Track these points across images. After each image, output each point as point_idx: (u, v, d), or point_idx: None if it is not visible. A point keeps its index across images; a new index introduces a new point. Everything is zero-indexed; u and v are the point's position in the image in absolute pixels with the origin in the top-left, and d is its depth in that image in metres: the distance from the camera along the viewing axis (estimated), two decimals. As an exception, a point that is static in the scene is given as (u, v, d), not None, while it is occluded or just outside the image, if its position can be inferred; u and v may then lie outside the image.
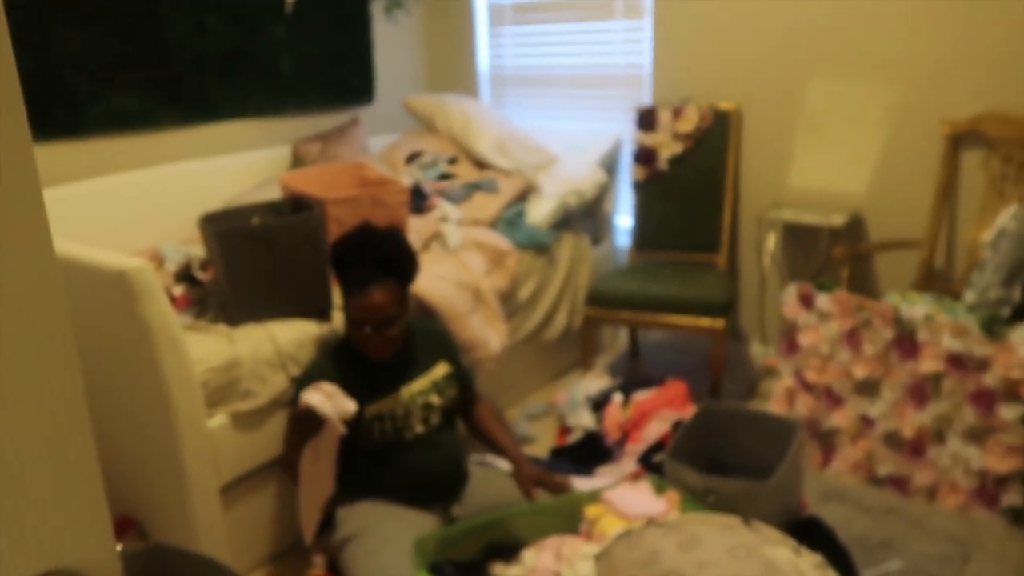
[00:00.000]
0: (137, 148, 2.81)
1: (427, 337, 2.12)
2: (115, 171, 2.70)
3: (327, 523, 2.13)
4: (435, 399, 2.04)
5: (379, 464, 1.97)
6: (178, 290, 2.19)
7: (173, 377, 1.77)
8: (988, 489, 2.20)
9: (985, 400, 2.16)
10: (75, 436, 0.60)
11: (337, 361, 1.97)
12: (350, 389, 1.93)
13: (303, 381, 1.98)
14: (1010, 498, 2.17)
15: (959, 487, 2.25)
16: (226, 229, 2.04)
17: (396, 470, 1.97)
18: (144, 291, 1.72)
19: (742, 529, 1.37)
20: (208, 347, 1.93)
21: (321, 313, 2.17)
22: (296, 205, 2.29)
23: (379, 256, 1.94)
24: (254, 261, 2.05)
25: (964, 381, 2.19)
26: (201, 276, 2.23)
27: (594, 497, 1.87)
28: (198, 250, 2.37)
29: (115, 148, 2.75)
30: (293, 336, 2.06)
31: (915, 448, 2.32)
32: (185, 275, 2.25)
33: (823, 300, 2.43)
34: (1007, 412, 2.12)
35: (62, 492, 0.61)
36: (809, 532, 2.07)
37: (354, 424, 1.92)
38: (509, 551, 1.83)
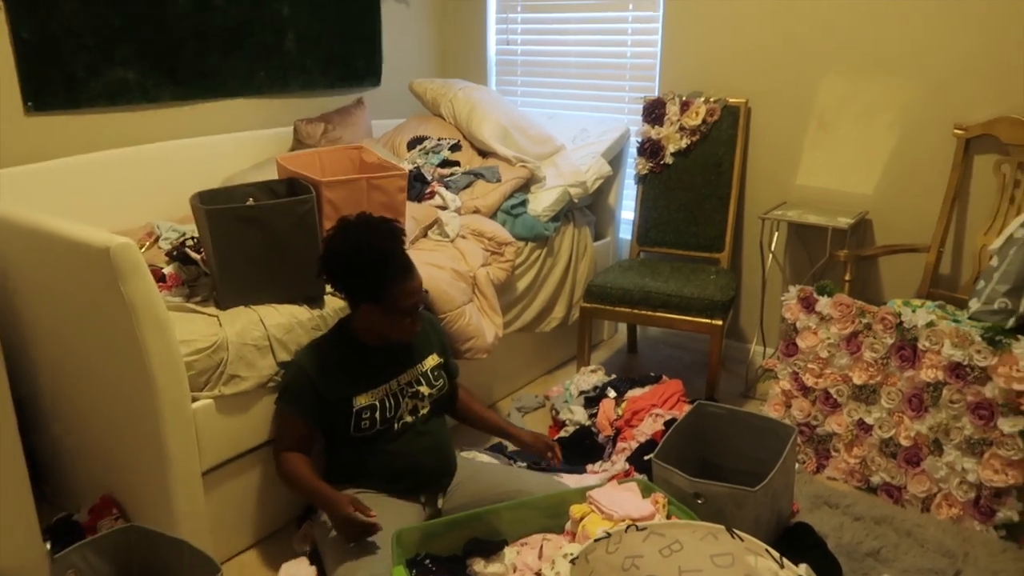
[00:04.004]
0: (136, 123, 2.78)
1: (421, 328, 2.09)
2: (113, 146, 2.66)
3: (311, 509, 2.12)
4: (425, 389, 2.01)
5: (367, 452, 1.95)
6: (169, 269, 2.16)
7: (157, 357, 1.74)
8: (983, 502, 2.17)
9: (985, 412, 2.11)
10: (1, 440, 0.57)
11: (331, 353, 1.95)
12: (342, 378, 1.91)
13: (291, 371, 1.95)
14: (1005, 512, 2.13)
15: (954, 499, 2.21)
16: (216, 209, 2.00)
17: (384, 459, 1.95)
18: (128, 269, 1.69)
19: (725, 537, 1.34)
20: (195, 328, 1.91)
21: (312, 299, 2.14)
22: (292, 187, 2.25)
23: (401, 233, 1.92)
24: (245, 242, 2.01)
25: (964, 391, 2.15)
26: (194, 256, 2.21)
27: (580, 496, 1.84)
28: (194, 230, 2.34)
29: (113, 123, 2.71)
30: (282, 321, 2.03)
31: (911, 457, 2.28)
32: (178, 254, 2.22)
33: (824, 303, 2.39)
34: (1007, 425, 2.07)
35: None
36: (799, 538, 2.04)
37: (344, 413, 1.90)
38: (491, 547, 1.81)
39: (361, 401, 1.91)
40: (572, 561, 1.24)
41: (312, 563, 1.91)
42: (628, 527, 1.33)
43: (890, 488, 2.34)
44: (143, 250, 2.35)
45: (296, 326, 2.05)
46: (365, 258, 1.83)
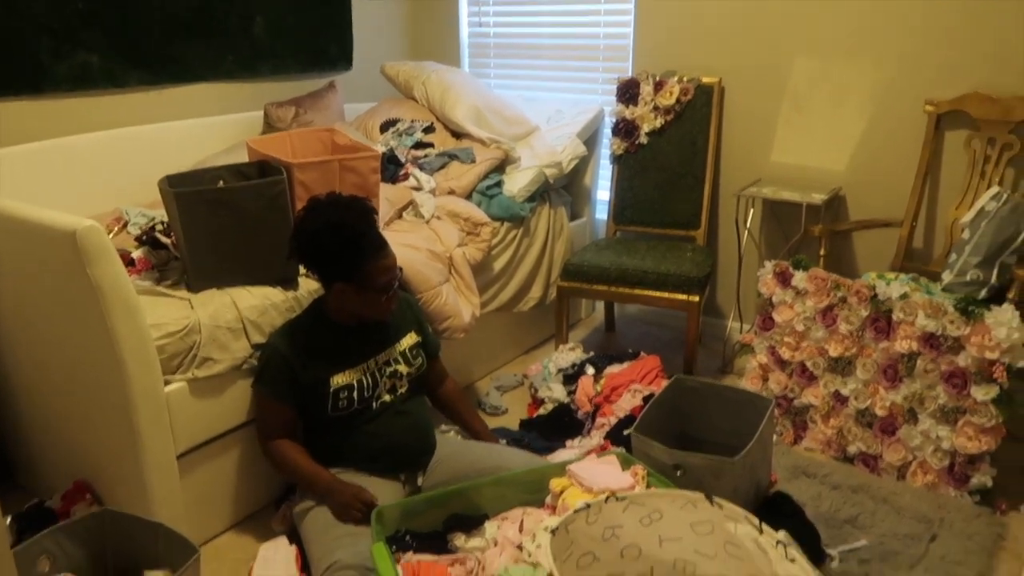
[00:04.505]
0: (102, 108, 2.72)
1: (397, 307, 2.08)
2: (79, 131, 2.61)
3: (290, 491, 2.10)
4: (403, 368, 2.00)
5: (345, 432, 1.94)
6: (139, 253, 2.13)
7: (127, 341, 1.71)
8: (958, 469, 2.20)
9: (958, 380, 2.14)
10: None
11: (306, 334, 1.93)
12: (318, 359, 1.89)
13: (267, 353, 1.93)
14: (979, 478, 2.16)
15: (928, 466, 2.24)
16: (186, 191, 1.97)
17: (362, 439, 1.94)
18: (96, 252, 1.66)
19: (705, 505, 1.35)
20: (166, 312, 1.88)
21: (286, 281, 2.11)
22: (263, 170, 2.22)
23: (373, 212, 1.91)
24: (215, 225, 1.98)
25: (938, 361, 2.17)
26: (164, 240, 2.17)
27: (560, 470, 1.83)
28: (163, 214, 2.30)
29: (79, 108, 2.66)
30: (255, 303, 2.01)
31: (886, 427, 2.30)
32: (148, 238, 2.18)
33: (799, 278, 2.40)
34: (980, 393, 2.10)
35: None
36: (777, 508, 2.05)
37: (321, 393, 1.88)
38: (472, 522, 1.80)
39: (338, 381, 1.89)
40: (552, 532, 1.24)
41: (292, 543, 1.90)
42: (608, 497, 1.33)
43: (866, 457, 2.36)
44: (111, 235, 2.31)
45: (270, 308, 2.03)
46: (336, 237, 1.82)
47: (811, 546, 2.00)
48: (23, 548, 1.57)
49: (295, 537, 1.90)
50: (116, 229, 2.37)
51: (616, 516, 1.36)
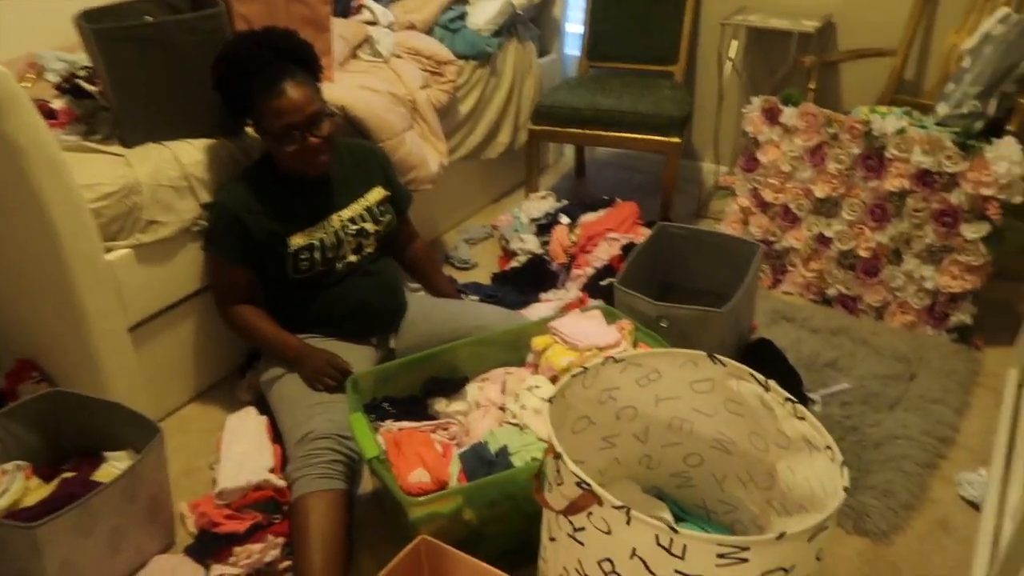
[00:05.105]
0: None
1: (359, 158, 1.89)
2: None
3: (254, 358, 2.00)
4: (370, 226, 1.84)
5: (310, 296, 1.80)
6: (60, 104, 1.88)
7: (55, 205, 1.52)
8: (938, 308, 2.17)
9: (949, 219, 2.07)
10: None
11: (256, 188, 1.74)
12: (272, 216, 1.72)
13: (215, 212, 1.75)
14: (959, 316, 2.15)
15: (908, 306, 2.21)
16: (107, 28, 1.71)
17: (329, 302, 1.81)
18: (5, 102, 1.43)
19: (706, 363, 1.27)
20: (99, 170, 1.67)
21: (233, 131, 1.90)
22: (197, 2, 1.94)
23: (278, 44, 1.68)
24: (145, 68, 1.74)
25: (930, 199, 2.09)
26: (89, 88, 1.92)
27: (541, 327, 1.75)
28: (85, 58, 2.03)
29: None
30: (200, 157, 1.80)
31: (869, 268, 2.25)
32: (70, 86, 1.93)
33: (789, 114, 2.25)
34: (970, 231, 2.04)
35: None
36: (759, 354, 2.02)
37: (280, 254, 1.73)
38: (451, 385, 1.73)
39: (298, 241, 1.74)
40: (549, 400, 1.15)
41: (261, 413, 1.81)
42: (606, 360, 1.24)
43: (845, 299, 2.33)
44: (26, 84, 2.04)
45: (217, 162, 1.83)
46: (229, 70, 1.65)
47: (793, 391, 1.97)
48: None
49: (263, 406, 1.81)
50: (32, 77, 2.09)
51: (613, 378, 1.28)
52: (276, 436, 1.72)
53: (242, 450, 1.65)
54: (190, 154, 1.80)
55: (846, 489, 1.05)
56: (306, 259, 1.75)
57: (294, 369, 1.72)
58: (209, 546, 1.52)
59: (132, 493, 1.42)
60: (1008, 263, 2.30)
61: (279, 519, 1.57)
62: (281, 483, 1.59)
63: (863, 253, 2.24)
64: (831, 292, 2.35)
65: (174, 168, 1.76)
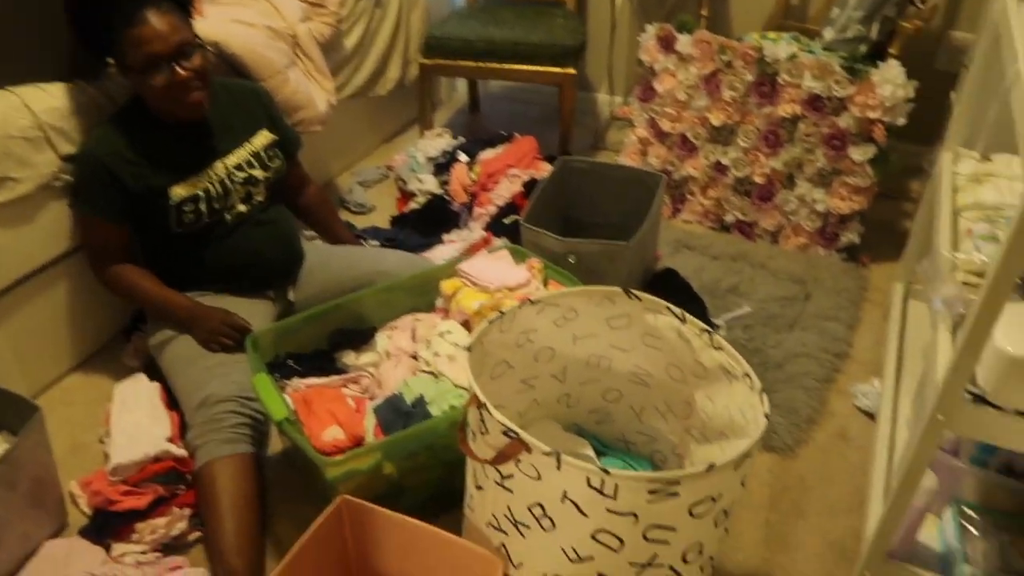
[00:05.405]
0: None
1: (239, 99, 1.74)
2: None
3: (139, 319, 1.85)
4: (258, 173, 1.71)
5: (198, 251, 1.67)
6: None
7: None
8: (829, 229, 2.25)
9: (838, 142, 2.12)
10: None
11: (128, 135, 1.57)
12: (148, 165, 1.56)
13: (81, 164, 1.58)
14: (848, 236, 2.23)
15: (801, 229, 2.28)
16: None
17: (219, 256, 1.69)
18: None
19: (623, 299, 1.25)
20: (-66, 121, 1.46)
21: (90, 72, 1.70)
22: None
23: None
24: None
25: (820, 124, 2.13)
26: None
27: (448, 270, 1.69)
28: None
29: None
30: (56, 104, 1.61)
31: (764, 194, 2.30)
32: None
33: (684, 42, 2.23)
34: (857, 153, 2.10)
35: None
36: (665, 283, 2.04)
37: (160, 207, 1.58)
38: (359, 336, 1.65)
39: (179, 192, 1.59)
40: (468, 348, 1.10)
41: (152, 380, 1.68)
42: (522, 303, 1.20)
43: (742, 225, 2.37)
44: None
45: (77, 109, 1.64)
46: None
47: (700, 318, 2.01)
48: None
49: (154, 371, 1.68)
50: None
51: (531, 320, 1.24)
52: (172, 402, 1.60)
53: (134, 420, 1.53)
54: (42, 100, 1.60)
55: (767, 415, 1.06)
56: (191, 211, 1.61)
57: (187, 330, 1.60)
58: (107, 525, 1.41)
59: (12, 479, 1.29)
60: (891, 184, 2.41)
61: (183, 490, 1.47)
62: (182, 452, 1.48)
63: (758, 179, 2.28)
64: (728, 219, 2.39)
65: (24, 116, 1.56)
